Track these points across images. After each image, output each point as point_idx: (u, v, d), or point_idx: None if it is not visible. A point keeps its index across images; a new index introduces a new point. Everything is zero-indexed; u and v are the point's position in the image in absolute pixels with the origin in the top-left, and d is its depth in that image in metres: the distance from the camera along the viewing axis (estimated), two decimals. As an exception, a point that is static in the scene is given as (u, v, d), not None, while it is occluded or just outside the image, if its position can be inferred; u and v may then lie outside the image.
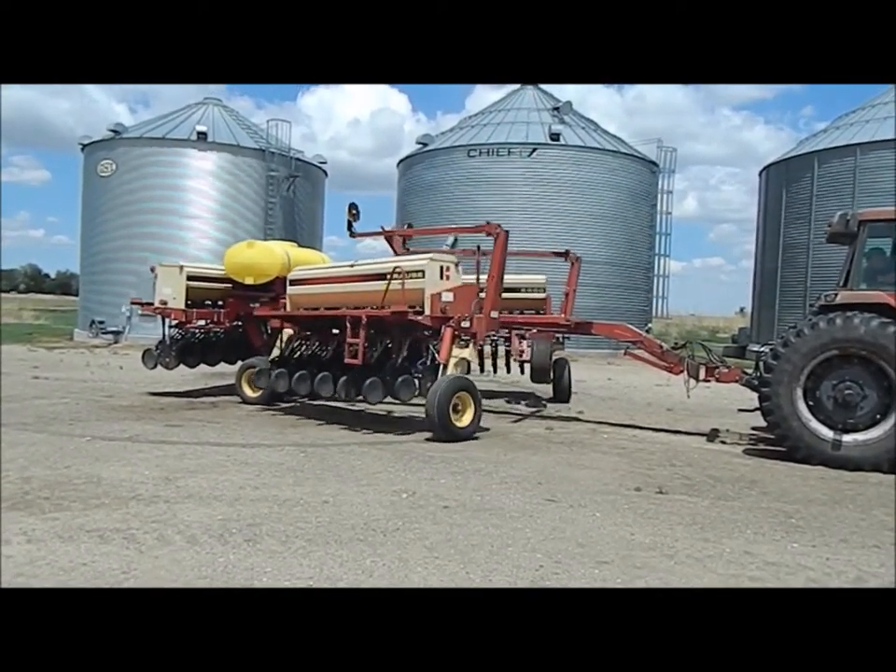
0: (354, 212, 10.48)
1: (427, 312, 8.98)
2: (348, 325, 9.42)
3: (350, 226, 10.76)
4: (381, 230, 11.21)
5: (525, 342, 13.09)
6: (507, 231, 9.65)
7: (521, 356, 13.01)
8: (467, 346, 9.29)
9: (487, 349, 14.10)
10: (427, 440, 8.63)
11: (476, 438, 8.90)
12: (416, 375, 9.06)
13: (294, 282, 10.78)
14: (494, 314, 9.48)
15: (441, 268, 9.14)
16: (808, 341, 7.94)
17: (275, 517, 5.27)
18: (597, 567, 4.46)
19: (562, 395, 13.27)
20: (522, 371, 13.58)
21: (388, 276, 9.19)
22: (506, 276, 13.80)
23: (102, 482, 6.14)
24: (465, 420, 8.85)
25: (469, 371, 10.39)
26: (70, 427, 8.72)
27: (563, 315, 12.28)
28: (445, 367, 9.03)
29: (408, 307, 9.05)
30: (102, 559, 4.29)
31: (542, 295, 13.40)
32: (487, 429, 9.52)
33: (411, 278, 9.09)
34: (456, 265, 9.39)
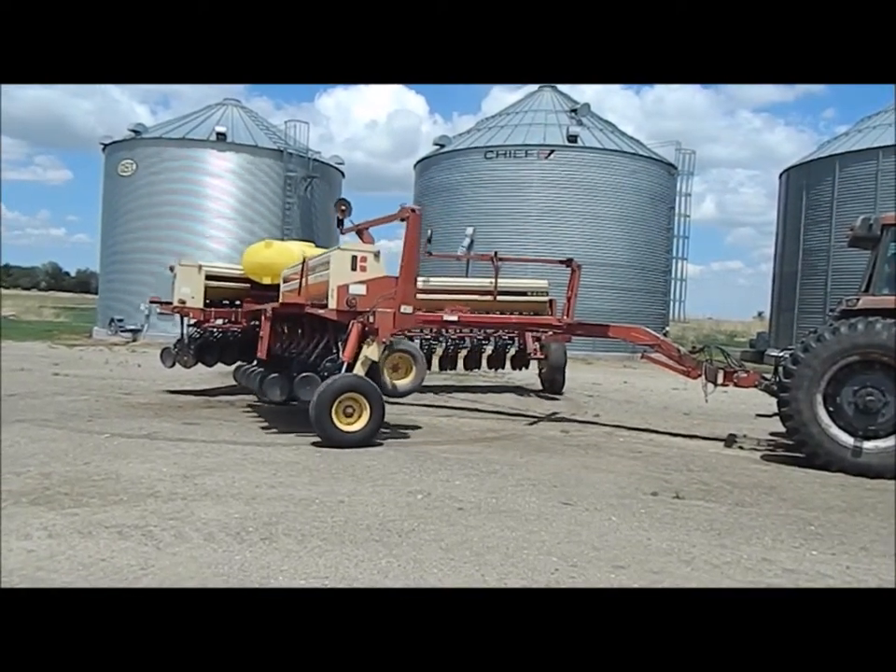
0: (343, 208, 10.42)
1: (332, 305, 8.34)
2: (262, 318, 9.44)
3: (340, 223, 10.77)
4: (351, 224, 11.24)
5: (537, 342, 14.33)
6: (419, 215, 8.78)
7: (534, 354, 14.40)
8: (371, 344, 8.40)
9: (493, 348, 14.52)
10: (314, 444, 8.04)
11: (381, 444, 8.21)
12: (323, 373, 8.51)
13: (285, 280, 10.95)
14: (406, 308, 8.39)
15: (354, 258, 8.40)
16: (829, 346, 7.85)
17: (291, 516, 5.29)
18: (613, 572, 4.43)
19: (556, 387, 14.55)
20: (513, 367, 14.90)
21: (305, 269, 9.10)
22: (512, 281, 14.65)
23: (120, 478, 6.20)
24: (357, 425, 8.06)
25: (418, 373, 9.45)
26: (89, 424, 8.81)
27: (556, 317, 12.91)
28: (351, 365, 8.30)
29: (310, 301, 8.75)
30: (120, 555, 4.33)
31: (545, 298, 14.18)
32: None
33: (322, 270, 8.73)
34: (376, 255, 8.57)
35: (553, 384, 14.55)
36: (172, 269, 12.23)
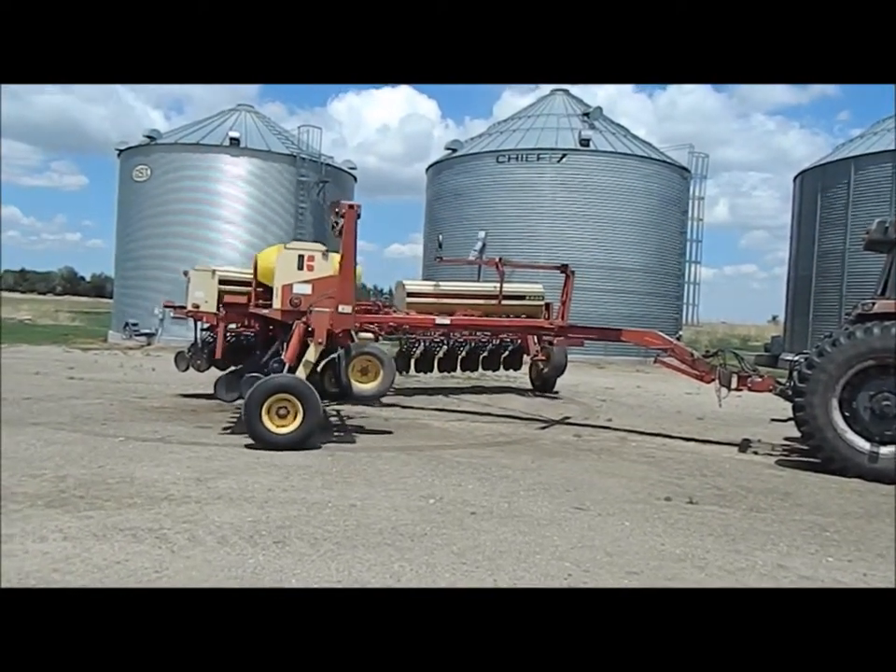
0: (338, 210, 10.40)
1: (277, 305, 8.27)
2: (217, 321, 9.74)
3: (334, 226, 10.74)
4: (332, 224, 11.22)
5: (548, 344, 14.79)
6: (356, 212, 8.38)
7: (537, 355, 14.98)
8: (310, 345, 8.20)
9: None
10: (247, 446, 7.89)
11: (318, 447, 7.96)
12: (269, 374, 8.43)
13: None
14: (345, 308, 8.17)
15: (301, 257, 8.31)
16: (845, 350, 7.77)
17: (304, 520, 5.30)
18: (627, 578, 4.41)
19: (548, 387, 15.16)
20: (505, 367, 15.29)
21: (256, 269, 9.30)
22: (511, 285, 14.90)
23: (135, 481, 6.24)
24: (289, 426, 7.83)
25: (383, 379, 8.72)
26: (104, 427, 8.87)
27: (548, 320, 13.26)
28: (293, 367, 8.13)
29: (258, 301, 8.88)
30: (135, 558, 4.35)
31: (541, 302, 14.55)
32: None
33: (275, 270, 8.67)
34: (324, 254, 8.43)
35: (545, 383, 15.19)
36: (186, 273, 12.31)
